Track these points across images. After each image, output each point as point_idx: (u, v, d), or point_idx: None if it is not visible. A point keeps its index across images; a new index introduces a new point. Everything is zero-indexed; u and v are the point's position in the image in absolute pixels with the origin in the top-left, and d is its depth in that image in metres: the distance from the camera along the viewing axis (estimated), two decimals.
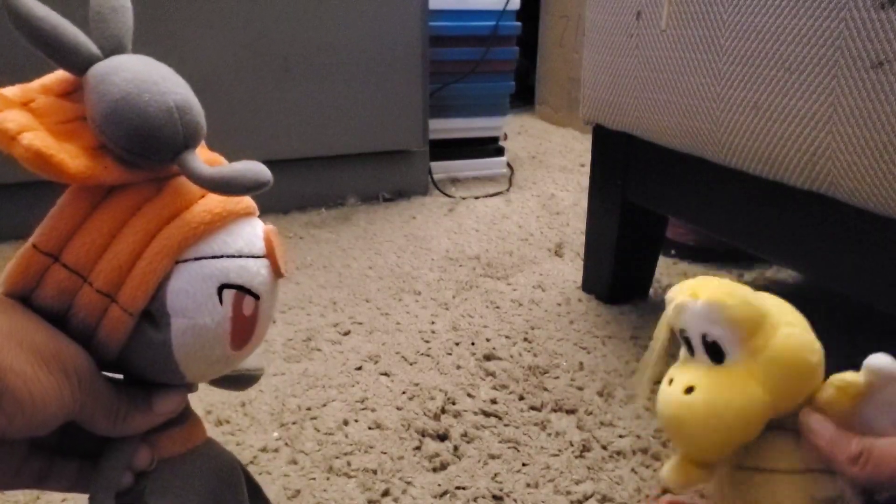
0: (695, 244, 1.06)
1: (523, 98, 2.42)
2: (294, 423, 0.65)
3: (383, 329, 0.84)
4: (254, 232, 0.36)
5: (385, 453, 0.61)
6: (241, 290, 0.35)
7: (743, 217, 0.67)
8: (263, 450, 0.61)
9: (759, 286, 0.98)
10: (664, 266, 1.04)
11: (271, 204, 1.28)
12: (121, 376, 0.36)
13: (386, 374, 0.74)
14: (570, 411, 0.67)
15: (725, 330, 0.37)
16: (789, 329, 0.38)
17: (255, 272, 0.35)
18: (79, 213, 0.32)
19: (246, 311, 0.35)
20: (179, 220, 0.33)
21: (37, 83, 0.33)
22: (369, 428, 0.65)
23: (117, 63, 0.33)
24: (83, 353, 0.31)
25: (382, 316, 0.88)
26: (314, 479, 0.58)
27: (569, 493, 0.56)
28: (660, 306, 0.98)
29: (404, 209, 1.32)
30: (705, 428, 0.37)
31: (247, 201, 0.37)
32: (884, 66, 0.47)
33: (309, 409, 0.67)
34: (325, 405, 0.68)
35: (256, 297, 0.36)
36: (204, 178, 0.33)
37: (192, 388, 0.37)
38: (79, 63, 0.32)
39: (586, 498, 0.56)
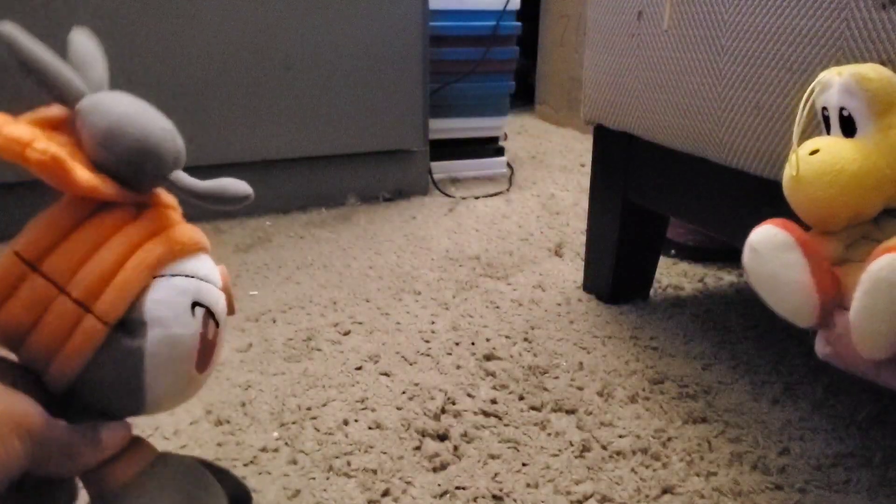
0: (695, 244, 1.06)
1: (523, 98, 2.42)
2: (294, 423, 0.65)
3: (383, 329, 0.84)
4: (212, 266, 0.39)
5: (385, 453, 0.61)
6: (209, 312, 0.37)
7: (743, 217, 0.67)
8: (263, 450, 0.61)
9: None
10: (664, 266, 1.04)
11: (272, 203, 1.28)
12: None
13: (386, 374, 0.74)
14: (570, 411, 0.67)
15: (861, 102, 0.38)
16: None
17: (218, 299, 0.38)
18: (66, 225, 0.34)
19: (209, 335, 0.37)
20: (158, 240, 0.36)
21: (25, 118, 0.34)
22: (369, 428, 0.64)
23: (109, 94, 0.36)
24: (33, 405, 0.31)
25: (382, 316, 0.88)
26: (314, 479, 0.58)
27: (569, 493, 0.56)
28: (660, 306, 0.98)
29: (404, 209, 1.32)
30: (821, 183, 0.38)
31: (205, 239, 0.40)
32: (886, 67, 0.47)
33: (309, 408, 0.67)
34: (325, 405, 0.68)
35: (217, 323, 0.38)
36: (199, 190, 0.37)
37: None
38: (71, 96, 0.34)
39: (586, 498, 0.56)
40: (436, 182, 1.45)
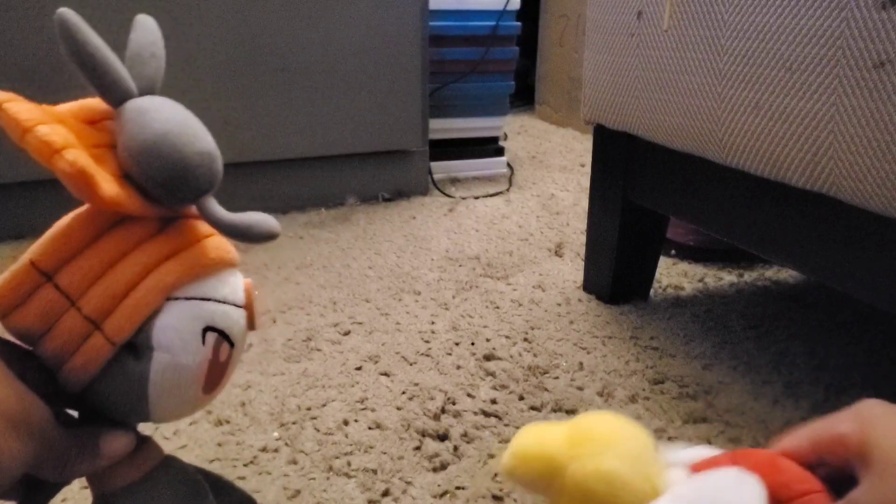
0: (695, 244, 1.06)
1: (523, 98, 2.42)
2: (294, 423, 0.65)
3: (383, 329, 0.84)
4: (237, 282, 0.38)
5: (385, 453, 0.61)
6: (222, 335, 0.36)
7: (743, 217, 0.67)
8: (263, 450, 0.61)
9: (759, 286, 0.98)
10: (664, 266, 1.04)
11: (272, 204, 1.28)
12: (75, 413, 0.36)
13: (386, 374, 0.74)
14: (570, 411, 0.67)
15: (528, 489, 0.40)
16: (573, 467, 0.38)
17: (236, 320, 0.37)
18: (85, 238, 0.33)
19: (221, 357, 0.36)
20: (177, 259, 0.35)
21: (64, 108, 0.33)
22: (369, 428, 0.64)
23: (157, 102, 0.34)
24: (44, 408, 0.31)
25: (382, 316, 0.88)
26: (314, 479, 0.58)
27: None
28: (660, 306, 0.97)
29: (404, 209, 1.32)
30: None
31: (234, 253, 0.38)
32: (885, 66, 0.47)
33: (309, 409, 0.67)
34: (325, 405, 0.68)
35: (232, 344, 0.37)
36: (224, 222, 0.36)
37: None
38: (118, 95, 0.33)
39: None
40: (436, 182, 1.45)
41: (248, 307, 0.38)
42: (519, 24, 1.49)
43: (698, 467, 0.36)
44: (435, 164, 1.46)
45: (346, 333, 0.83)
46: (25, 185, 1.08)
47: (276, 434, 0.63)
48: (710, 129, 0.65)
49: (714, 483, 0.34)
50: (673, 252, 1.08)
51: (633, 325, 0.85)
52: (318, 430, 0.64)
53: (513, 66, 1.53)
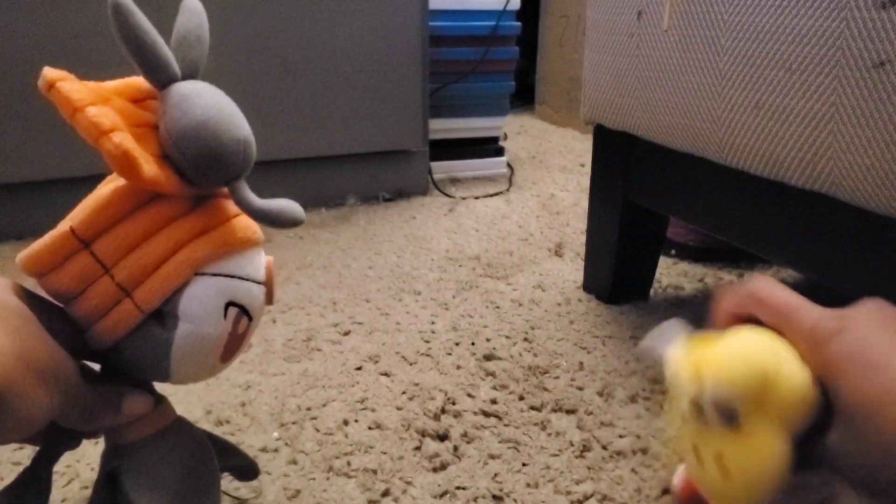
0: (695, 244, 1.06)
1: (523, 98, 2.42)
2: (294, 423, 0.65)
3: (383, 329, 0.84)
4: (260, 260, 0.41)
5: (385, 453, 0.61)
6: (242, 310, 0.38)
7: (743, 217, 0.67)
8: (263, 450, 0.61)
9: None
10: (664, 266, 1.04)
11: None
12: (97, 367, 0.38)
13: (386, 374, 0.74)
14: (570, 411, 0.67)
15: (738, 405, 0.38)
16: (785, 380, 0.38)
17: (255, 296, 0.39)
18: (122, 211, 0.35)
19: (240, 330, 0.39)
20: (207, 237, 0.37)
21: (110, 85, 0.35)
22: (369, 428, 0.64)
23: (200, 88, 0.37)
24: (71, 362, 0.33)
25: (382, 316, 0.88)
26: (314, 479, 0.58)
27: (569, 493, 0.56)
28: (660, 306, 0.97)
29: (404, 209, 1.32)
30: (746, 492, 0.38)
31: (259, 233, 0.41)
32: (885, 66, 0.47)
33: (309, 409, 0.67)
34: (325, 405, 0.68)
35: (250, 318, 0.39)
36: (254, 208, 0.38)
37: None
38: (163, 79, 0.36)
39: (586, 498, 0.56)
40: (436, 182, 1.45)
41: (268, 283, 0.41)
42: (519, 24, 1.49)
43: None
44: (435, 164, 1.46)
45: (346, 333, 0.83)
46: (26, 185, 1.08)
47: (276, 434, 0.63)
48: (710, 128, 0.65)
49: None
50: (673, 252, 1.08)
51: (633, 325, 0.85)
52: (318, 430, 0.64)
53: (513, 67, 1.53)
